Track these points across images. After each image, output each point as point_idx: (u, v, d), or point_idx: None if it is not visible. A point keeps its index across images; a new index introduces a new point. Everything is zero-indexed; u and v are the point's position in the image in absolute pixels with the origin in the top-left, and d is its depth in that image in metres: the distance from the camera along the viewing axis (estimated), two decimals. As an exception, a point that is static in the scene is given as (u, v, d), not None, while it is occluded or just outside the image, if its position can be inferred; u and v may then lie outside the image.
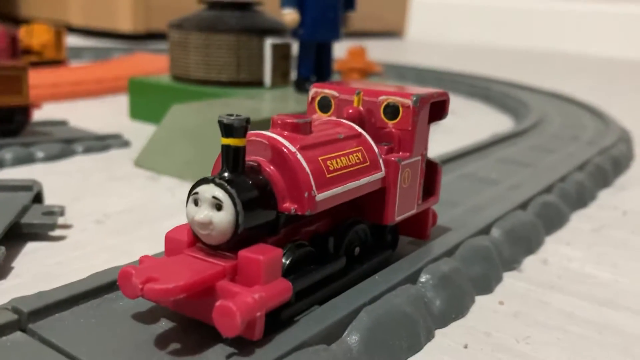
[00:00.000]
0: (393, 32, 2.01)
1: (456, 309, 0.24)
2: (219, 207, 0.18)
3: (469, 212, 0.32)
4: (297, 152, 0.20)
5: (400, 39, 1.99)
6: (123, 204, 0.35)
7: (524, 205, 0.33)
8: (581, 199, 0.38)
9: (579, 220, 0.36)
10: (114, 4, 1.22)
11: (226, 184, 0.18)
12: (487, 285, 0.26)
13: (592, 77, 1.18)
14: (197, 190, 0.19)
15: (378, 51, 1.20)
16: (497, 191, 0.35)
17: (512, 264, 0.29)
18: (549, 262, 0.30)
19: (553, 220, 0.34)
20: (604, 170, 0.43)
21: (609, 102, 0.79)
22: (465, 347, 0.22)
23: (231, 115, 0.19)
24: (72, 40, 1.09)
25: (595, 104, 0.72)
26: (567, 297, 0.26)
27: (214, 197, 0.18)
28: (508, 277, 0.28)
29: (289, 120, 0.21)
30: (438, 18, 1.97)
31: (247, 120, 0.19)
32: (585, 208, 0.38)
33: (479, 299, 0.26)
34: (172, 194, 0.37)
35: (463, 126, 0.63)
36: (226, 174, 0.19)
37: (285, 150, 0.20)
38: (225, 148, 0.19)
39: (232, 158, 0.19)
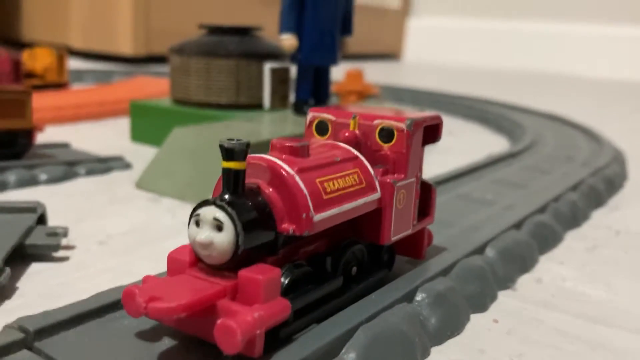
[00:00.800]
0: (390, 55, 2.04)
1: (451, 326, 0.25)
2: (219, 228, 0.19)
3: (464, 232, 0.32)
4: (295, 175, 0.20)
5: (397, 61, 2.01)
6: (125, 225, 0.35)
7: (518, 225, 0.34)
8: (575, 218, 0.38)
9: (572, 239, 0.37)
10: (115, 27, 1.24)
11: (227, 206, 0.19)
12: (481, 303, 0.27)
13: (586, 99, 1.19)
14: (198, 211, 0.20)
15: (375, 73, 1.21)
16: (492, 211, 0.36)
17: (507, 282, 0.29)
18: (543, 281, 0.30)
19: (547, 240, 0.34)
20: (598, 191, 0.43)
21: (603, 123, 0.80)
22: (460, 364, 0.22)
23: (232, 139, 0.20)
24: (73, 63, 1.10)
25: (589, 125, 0.73)
26: (560, 315, 0.27)
27: (214, 219, 0.19)
28: (503, 296, 0.28)
29: (287, 144, 0.22)
30: (434, 41, 2.00)
31: (247, 145, 0.20)
32: (579, 228, 0.39)
33: (474, 317, 0.26)
34: (173, 215, 0.37)
35: (459, 147, 0.64)
36: (227, 196, 0.20)
37: (283, 172, 0.21)
38: (226, 171, 0.20)
39: (233, 181, 0.20)
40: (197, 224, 0.19)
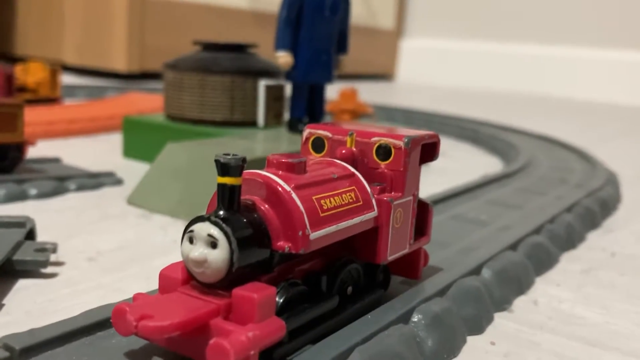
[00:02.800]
0: (383, 75, 2.05)
1: (448, 349, 0.24)
2: (214, 245, 0.19)
3: (460, 253, 0.32)
4: (292, 191, 0.20)
5: (390, 82, 2.02)
6: (115, 241, 0.35)
7: (514, 246, 0.33)
8: (570, 240, 0.38)
9: (568, 261, 0.36)
10: (108, 44, 1.24)
11: (222, 222, 0.19)
12: (478, 325, 0.27)
13: (578, 121, 1.20)
14: (192, 228, 0.19)
15: (369, 93, 1.22)
16: (487, 232, 0.36)
17: (503, 304, 0.29)
18: (539, 303, 0.30)
19: (543, 261, 0.34)
20: (592, 212, 0.43)
21: (596, 145, 0.80)
22: (457, 387, 0.22)
23: (228, 154, 0.19)
24: (66, 79, 1.10)
25: (583, 147, 0.73)
26: (557, 337, 0.27)
27: (209, 235, 0.19)
28: (499, 318, 0.28)
29: (284, 160, 0.21)
30: (427, 62, 2.01)
31: (244, 160, 0.19)
32: (574, 249, 0.38)
33: (471, 339, 0.26)
34: (165, 232, 0.37)
35: (453, 167, 0.64)
36: (222, 212, 0.19)
37: (280, 189, 0.20)
38: (221, 187, 0.19)
39: (228, 197, 0.19)
40: (191, 240, 0.19)
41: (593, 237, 0.41)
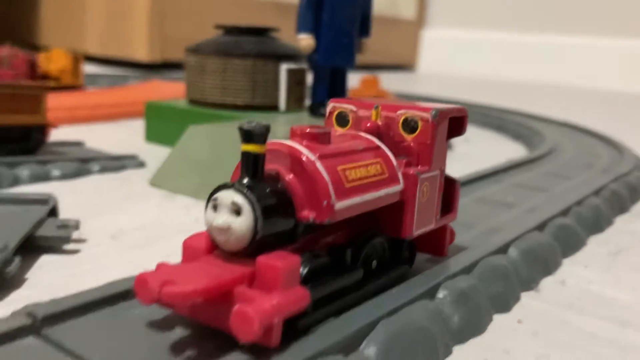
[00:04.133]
0: (405, 66, 2.03)
1: (474, 325, 0.24)
2: (238, 212, 0.18)
3: (486, 233, 0.31)
4: (317, 161, 0.20)
5: (412, 72, 2.01)
6: (138, 220, 0.35)
7: (540, 227, 0.33)
8: (597, 223, 0.37)
9: (596, 244, 0.35)
10: (130, 34, 1.24)
11: (246, 190, 0.18)
12: (504, 303, 0.26)
13: (603, 110, 1.18)
14: (216, 195, 0.19)
15: (390, 82, 1.21)
16: (513, 214, 0.35)
17: (530, 283, 0.28)
18: (567, 284, 0.29)
19: (570, 243, 0.33)
20: (620, 196, 0.42)
21: (623, 133, 0.79)
22: (485, 363, 0.21)
23: (251, 121, 0.19)
24: (88, 68, 1.11)
25: (609, 134, 0.71)
26: (587, 317, 0.26)
27: (233, 203, 0.18)
28: (526, 297, 0.27)
29: (308, 130, 0.21)
30: (449, 52, 1.99)
31: (268, 128, 0.19)
32: (602, 233, 0.38)
33: (497, 317, 0.25)
34: (187, 211, 0.37)
35: (477, 153, 0.63)
36: (246, 180, 0.19)
37: (304, 158, 0.20)
38: (245, 155, 0.19)
39: (252, 165, 0.19)
40: (215, 208, 0.19)
41: (621, 221, 0.40)
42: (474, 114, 0.86)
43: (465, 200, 0.37)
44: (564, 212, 0.36)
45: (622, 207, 0.42)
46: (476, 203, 0.37)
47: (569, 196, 0.39)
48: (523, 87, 1.63)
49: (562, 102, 1.30)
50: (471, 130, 0.80)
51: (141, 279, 0.18)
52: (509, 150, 0.67)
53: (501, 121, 0.79)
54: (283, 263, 0.18)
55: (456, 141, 0.67)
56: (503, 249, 0.29)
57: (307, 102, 0.56)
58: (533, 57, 1.83)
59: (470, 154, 0.62)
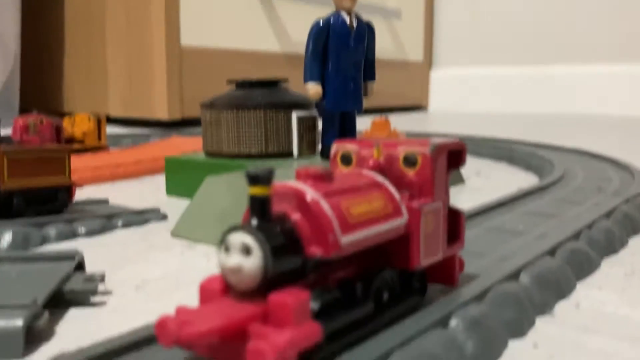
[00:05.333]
0: (416, 107, 2.06)
1: (489, 352, 0.24)
2: (248, 252, 0.19)
3: (497, 261, 0.32)
4: (320, 199, 0.21)
5: (424, 112, 2.03)
6: (161, 270, 0.36)
7: (552, 252, 0.33)
8: (611, 245, 0.38)
9: (610, 265, 0.36)
10: (151, 96, 1.29)
11: (254, 231, 0.20)
12: (519, 329, 0.26)
13: (614, 136, 1.18)
14: (227, 238, 0.20)
15: (402, 123, 1.22)
16: (523, 240, 0.36)
17: (544, 308, 0.29)
18: (581, 306, 0.30)
19: (583, 266, 0.34)
20: (633, 218, 0.43)
21: (634, 156, 0.79)
22: (499, 387, 0.22)
23: (257, 167, 0.20)
24: (112, 130, 1.14)
25: (620, 159, 0.72)
26: (604, 338, 0.26)
27: (242, 244, 0.20)
28: (540, 322, 0.28)
29: (311, 171, 0.22)
30: (458, 90, 2.02)
31: (272, 171, 0.20)
32: (616, 254, 0.38)
33: (512, 343, 0.26)
34: (208, 259, 0.38)
35: (489, 186, 0.64)
36: (254, 222, 0.20)
37: (308, 197, 0.21)
38: (252, 198, 0.20)
39: (259, 207, 0.20)
40: (226, 250, 0.20)
41: (635, 243, 0.41)
42: (486, 147, 0.87)
43: (475, 231, 0.38)
44: (575, 236, 0.36)
45: (635, 228, 0.42)
46: (487, 232, 0.38)
47: (580, 220, 0.39)
48: (532, 119, 1.63)
49: (572, 131, 1.31)
50: (483, 163, 0.80)
51: (161, 323, 0.19)
52: (520, 180, 0.67)
53: (512, 152, 0.80)
54: (293, 299, 0.19)
55: (468, 174, 0.68)
56: (514, 275, 0.29)
57: (319, 147, 0.57)
58: (539, 89, 1.85)
59: (482, 186, 0.62)
